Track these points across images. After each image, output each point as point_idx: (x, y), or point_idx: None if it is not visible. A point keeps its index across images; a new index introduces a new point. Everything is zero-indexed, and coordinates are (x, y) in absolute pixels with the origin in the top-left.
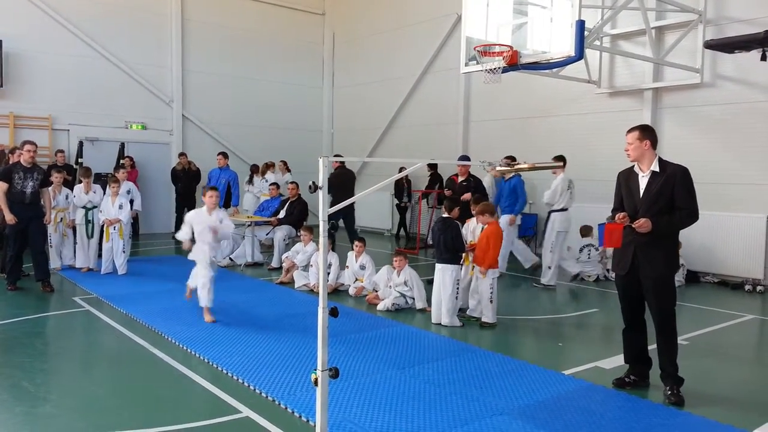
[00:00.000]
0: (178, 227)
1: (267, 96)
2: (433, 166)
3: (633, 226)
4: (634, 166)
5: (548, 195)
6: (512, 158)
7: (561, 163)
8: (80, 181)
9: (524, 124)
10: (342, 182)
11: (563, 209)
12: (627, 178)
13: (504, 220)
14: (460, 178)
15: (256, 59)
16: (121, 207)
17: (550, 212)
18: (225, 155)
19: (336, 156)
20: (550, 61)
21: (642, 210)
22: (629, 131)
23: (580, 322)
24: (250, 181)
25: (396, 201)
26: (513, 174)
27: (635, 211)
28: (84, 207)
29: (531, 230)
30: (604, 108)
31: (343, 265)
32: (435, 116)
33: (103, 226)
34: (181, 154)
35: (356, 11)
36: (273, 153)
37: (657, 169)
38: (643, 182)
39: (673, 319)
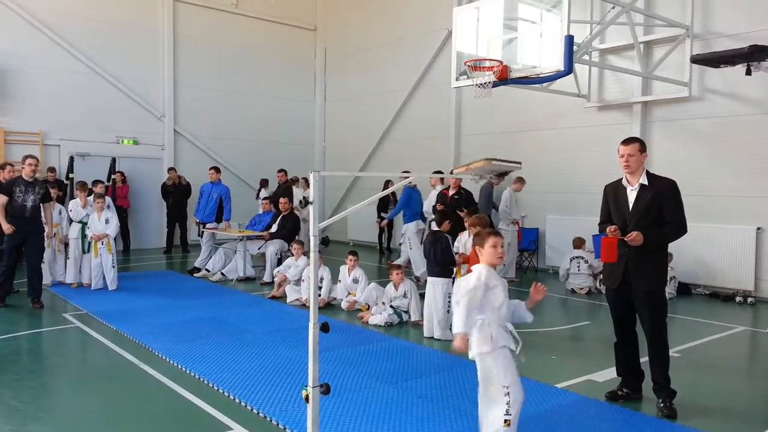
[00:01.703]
0: (169, 243)
1: (259, 110)
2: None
3: (625, 239)
4: (621, 179)
5: (426, 204)
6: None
7: (440, 175)
8: (75, 196)
9: (515, 137)
10: (279, 196)
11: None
12: (615, 191)
13: (411, 227)
14: (451, 191)
15: (247, 74)
16: (107, 221)
17: (430, 220)
18: (217, 170)
19: (280, 171)
20: (540, 75)
21: (632, 224)
22: (628, 142)
23: (573, 335)
24: (258, 196)
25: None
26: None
27: (624, 225)
28: (80, 222)
29: (533, 244)
30: (593, 122)
31: (335, 279)
32: (427, 130)
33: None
34: (171, 169)
35: (347, 26)
36: (265, 167)
37: (646, 182)
38: (631, 196)
39: (665, 332)
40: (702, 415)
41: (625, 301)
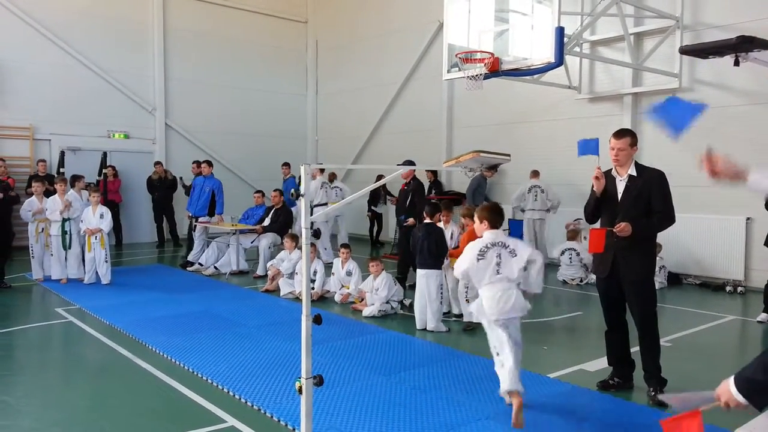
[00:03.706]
0: (161, 237)
1: (250, 103)
2: (433, 172)
3: (614, 230)
4: (611, 169)
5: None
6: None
7: (322, 169)
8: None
9: (507, 129)
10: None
11: (322, 204)
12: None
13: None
14: (405, 183)
15: (239, 67)
16: (102, 216)
17: (312, 207)
18: (209, 163)
19: (195, 162)
20: (531, 67)
21: (621, 214)
22: (619, 136)
23: (564, 325)
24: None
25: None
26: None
27: (614, 215)
28: (62, 218)
29: (520, 237)
30: (584, 113)
31: (329, 272)
32: (419, 122)
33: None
34: (157, 163)
35: (339, 19)
36: (257, 160)
37: (634, 173)
38: (620, 186)
39: (655, 321)
40: None
41: (615, 290)
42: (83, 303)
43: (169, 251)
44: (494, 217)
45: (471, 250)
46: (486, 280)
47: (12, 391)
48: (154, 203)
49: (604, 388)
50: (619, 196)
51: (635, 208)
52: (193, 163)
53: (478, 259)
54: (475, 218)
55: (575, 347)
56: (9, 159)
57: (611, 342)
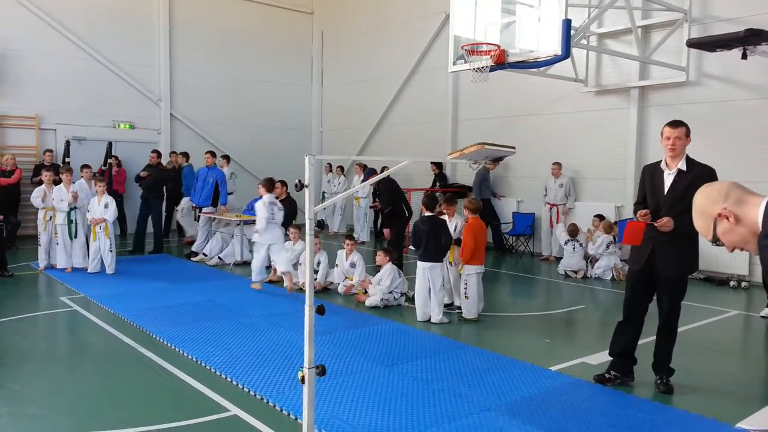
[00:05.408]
0: (166, 227)
1: (256, 95)
2: (438, 165)
3: (656, 224)
4: (660, 161)
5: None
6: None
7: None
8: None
9: (512, 122)
10: (157, 180)
11: (231, 193)
12: (652, 173)
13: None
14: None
15: (244, 58)
16: (106, 206)
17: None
18: (213, 154)
19: (153, 151)
20: (538, 59)
21: (665, 208)
22: (676, 125)
23: (567, 319)
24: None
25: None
26: None
27: (658, 209)
28: (69, 208)
29: (529, 229)
30: (591, 106)
31: (332, 264)
32: (424, 115)
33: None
34: (171, 153)
35: (345, 10)
36: (262, 152)
37: (684, 168)
38: (668, 180)
39: (678, 314)
40: (694, 396)
41: (645, 284)
42: (88, 292)
43: (174, 241)
44: (268, 185)
45: (263, 207)
46: (266, 222)
47: (18, 378)
48: (167, 192)
49: (600, 382)
50: (666, 189)
51: (680, 203)
52: (206, 153)
53: (266, 212)
54: (260, 187)
55: (577, 340)
56: (15, 148)
57: (622, 333)
